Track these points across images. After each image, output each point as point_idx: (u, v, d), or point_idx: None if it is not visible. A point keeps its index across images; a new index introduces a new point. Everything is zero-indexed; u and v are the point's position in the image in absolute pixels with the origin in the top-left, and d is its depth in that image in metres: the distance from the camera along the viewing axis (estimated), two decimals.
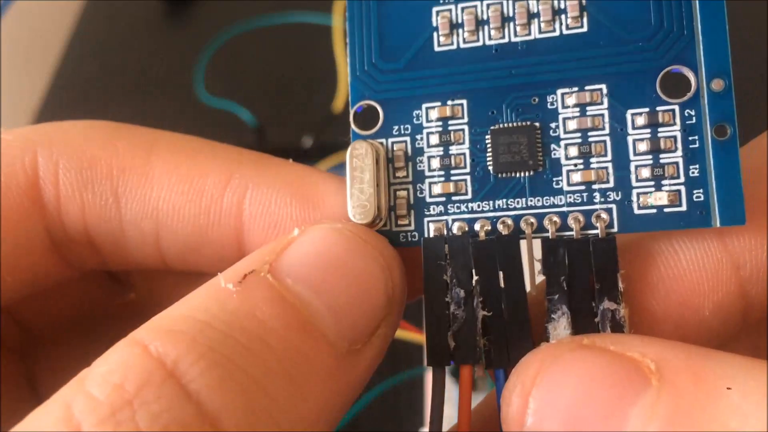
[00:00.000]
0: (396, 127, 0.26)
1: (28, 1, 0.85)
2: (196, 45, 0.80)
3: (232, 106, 0.76)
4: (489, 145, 0.26)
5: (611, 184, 0.25)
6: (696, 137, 0.25)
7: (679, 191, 0.25)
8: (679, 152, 0.25)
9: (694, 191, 0.25)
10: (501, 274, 0.25)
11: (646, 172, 0.25)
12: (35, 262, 0.28)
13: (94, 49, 0.87)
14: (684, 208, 0.25)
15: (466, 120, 0.26)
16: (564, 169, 0.26)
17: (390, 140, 0.26)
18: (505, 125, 0.26)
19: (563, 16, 0.26)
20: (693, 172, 0.25)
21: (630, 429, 0.20)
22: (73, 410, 0.19)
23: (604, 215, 0.25)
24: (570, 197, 0.25)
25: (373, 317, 0.24)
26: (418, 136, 0.26)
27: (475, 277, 0.25)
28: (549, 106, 0.26)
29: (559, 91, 0.26)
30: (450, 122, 0.26)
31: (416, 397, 0.57)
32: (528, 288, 0.25)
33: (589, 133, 0.25)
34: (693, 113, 0.25)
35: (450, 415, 0.25)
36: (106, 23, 0.89)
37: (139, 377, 0.20)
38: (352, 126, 0.27)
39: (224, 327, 0.21)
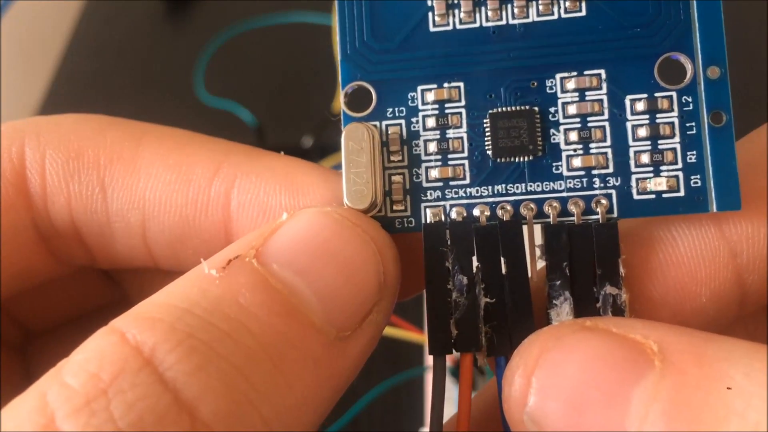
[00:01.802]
0: (390, 110, 0.25)
1: (28, 1, 0.85)
2: (196, 45, 0.80)
3: (232, 106, 0.75)
4: (487, 130, 0.25)
5: (611, 170, 0.25)
6: (693, 124, 0.24)
7: (677, 177, 0.24)
8: (677, 138, 0.24)
9: (692, 177, 0.24)
10: (503, 260, 0.24)
11: (645, 158, 0.24)
12: (24, 257, 0.28)
13: (94, 49, 0.86)
14: (682, 193, 0.24)
15: (463, 103, 0.25)
16: (564, 154, 0.25)
17: (384, 123, 0.25)
18: (504, 109, 0.25)
19: (562, 0, 0.25)
20: (690, 159, 0.24)
21: (633, 409, 0.20)
22: (47, 399, 0.18)
23: (603, 201, 0.25)
24: (570, 182, 0.25)
25: (364, 303, 0.23)
26: (414, 119, 0.25)
27: (476, 264, 0.24)
28: (548, 91, 0.25)
29: (558, 76, 0.25)
30: (447, 105, 0.25)
31: (416, 397, 0.56)
32: (529, 274, 0.25)
33: (589, 118, 0.25)
34: (690, 100, 0.24)
35: (450, 413, 0.24)
36: (106, 23, 0.88)
37: (114, 365, 0.19)
38: (344, 108, 0.25)
39: (205, 314, 0.20)
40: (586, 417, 0.20)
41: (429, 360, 0.57)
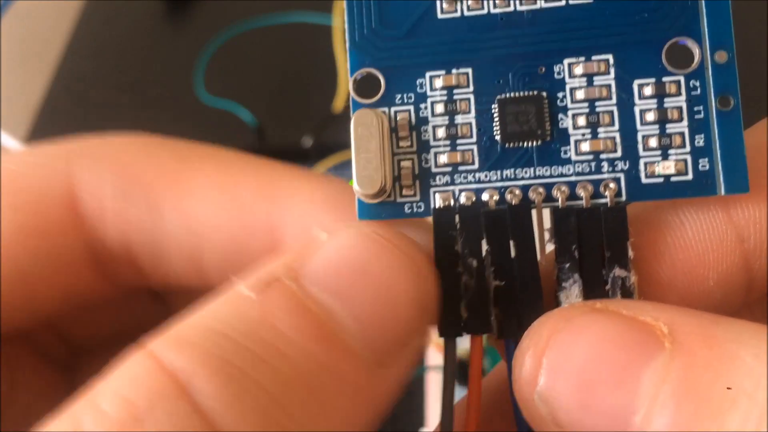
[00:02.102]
0: (399, 96, 0.25)
1: (28, 1, 0.85)
2: (196, 45, 0.80)
3: (232, 106, 0.75)
4: (496, 115, 0.25)
5: (619, 154, 0.25)
6: (701, 108, 0.24)
7: (685, 160, 0.24)
8: (685, 122, 0.24)
9: (700, 161, 0.24)
10: (512, 243, 0.24)
11: (653, 142, 0.24)
12: (75, 278, 0.27)
13: (94, 49, 0.87)
14: (690, 177, 0.24)
15: (471, 89, 0.25)
16: (572, 139, 0.25)
17: (393, 109, 0.25)
18: (512, 95, 0.25)
19: None
20: (698, 142, 0.24)
21: (643, 389, 0.20)
22: (82, 425, 0.18)
23: (612, 184, 0.25)
24: (578, 167, 0.25)
25: (403, 328, 0.22)
26: (422, 105, 0.25)
27: (486, 248, 0.24)
28: (556, 76, 0.25)
29: (566, 61, 0.25)
30: (455, 91, 0.25)
31: (416, 397, 0.56)
32: (538, 257, 0.25)
33: (597, 103, 0.25)
34: (697, 84, 0.24)
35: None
36: (106, 23, 0.88)
37: (150, 393, 0.19)
38: (353, 94, 0.25)
39: (242, 338, 0.20)
40: (597, 397, 0.20)
41: (429, 360, 0.57)
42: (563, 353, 0.21)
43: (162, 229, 0.26)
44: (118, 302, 0.31)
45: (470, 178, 0.25)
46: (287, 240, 0.26)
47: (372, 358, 0.21)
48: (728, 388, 0.19)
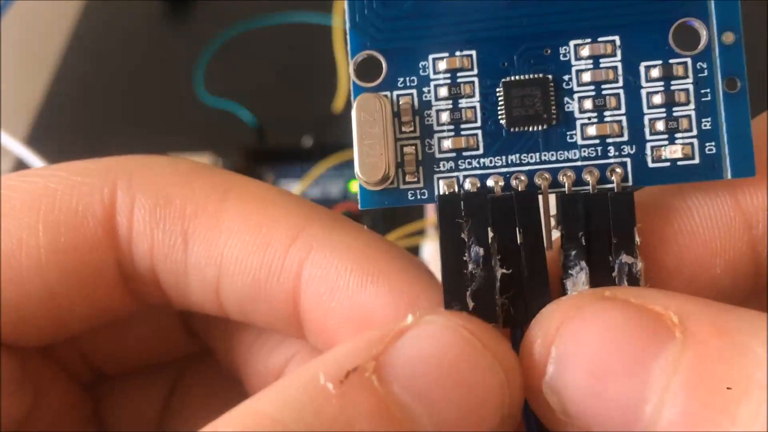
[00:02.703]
0: (401, 79, 0.24)
1: (28, 1, 0.85)
2: (196, 45, 0.79)
3: (232, 106, 0.74)
4: (501, 98, 0.24)
5: (625, 138, 0.24)
6: (708, 90, 0.24)
7: (692, 144, 0.24)
8: (692, 105, 0.24)
9: (707, 144, 0.24)
10: (519, 230, 0.23)
11: (660, 125, 0.24)
12: (104, 294, 0.27)
13: (94, 49, 0.86)
14: (697, 161, 0.24)
15: (475, 72, 0.24)
16: (578, 123, 0.24)
17: (395, 93, 0.24)
18: (517, 78, 0.24)
19: None
20: (705, 125, 0.24)
21: (654, 379, 0.19)
22: None
23: (618, 169, 0.24)
24: (584, 151, 0.24)
25: None
26: (425, 89, 0.24)
27: (491, 234, 0.23)
28: (562, 58, 0.24)
29: (572, 43, 0.24)
30: (459, 74, 0.24)
31: None
32: (545, 244, 0.24)
33: (603, 86, 0.24)
34: (704, 66, 0.24)
35: None
36: (106, 23, 0.88)
37: None
38: (353, 78, 0.25)
39: None
40: (607, 387, 0.20)
41: None
42: (573, 342, 0.20)
43: (186, 259, 0.26)
44: (146, 330, 0.31)
45: (475, 163, 0.24)
46: (308, 291, 0.25)
47: None
48: (728, 388, 0.19)
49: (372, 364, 0.20)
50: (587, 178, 0.24)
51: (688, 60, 0.24)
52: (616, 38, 0.24)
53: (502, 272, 0.23)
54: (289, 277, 0.25)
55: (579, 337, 0.20)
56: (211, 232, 0.26)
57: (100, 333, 0.30)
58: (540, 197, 0.24)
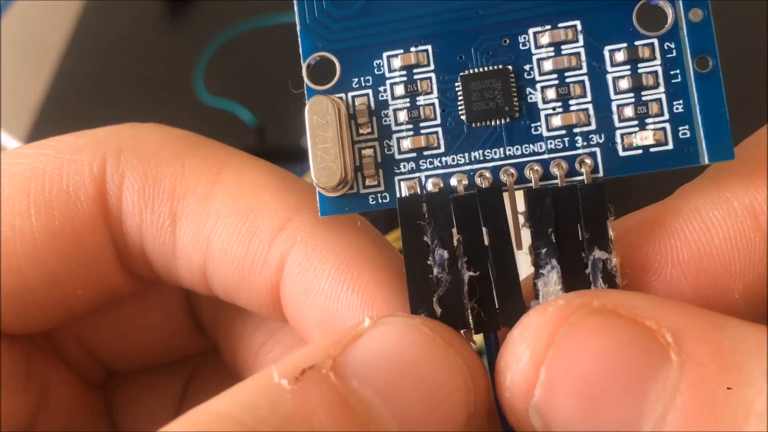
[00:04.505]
0: (355, 80, 0.23)
1: (28, 1, 0.84)
2: (196, 45, 0.78)
3: (232, 106, 0.73)
4: (460, 93, 0.23)
5: (593, 127, 0.22)
6: (678, 71, 0.22)
7: (664, 129, 0.22)
8: (662, 88, 0.22)
9: (680, 128, 0.22)
10: (485, 230, 0.22)
11: (629, 111, 0.22)
12: (104, 274, 0.26)
13: (94, 49, 0.84)
14: (671, 146, 0.22)
15: (432, 67, 0.23)
16: (542, 114, 0.22)
17: (350, 94, 0.23)
18: (476, 70, 0.23)
19: None
20: (677, 108, 0.22)
21: (650, 405, 0.18)
22: None
23: (588, 160, 0.22)
24: (551, 143, 0.22)
25: None
26: (381, 88, 0.23)
27: (457, 236, 0.22)
28: (521, 47, 0.23)
29: (531, 31, 0.23)
30: (415, 71, 0.23)
31: None
32: (514, 243, 0.22)
33: (566, 74, 0.22)
34: (673, 46, 0.22)
35: None
36: (106, 23, 0.86)
37: None
38: (307, 81, 0.23)
39: None
40: (599, 413, 0.18)
41: None
42: (565, 365, 0.19)
43: (174, 242, 0.25)
44: (154, 328, 0.30)
45: (436, 162, 0.23)
46: (287, 286, 0.24)
47: None
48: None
49: (329, 362, 0.19)
50: (555, 171, 0.22)
51: (655, 41, 0.23)
52: (577, 23, 0.23)
53: (469, 275, 0.22)
54: (272, 269, 0.24)
55: (571, 359, 0.19)
56: (200, 215, 0.24)
57: (107, 329, 0.29)
58: (506, 194, 0.22)
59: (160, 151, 0.25)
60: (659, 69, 0.22)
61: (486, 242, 0.22)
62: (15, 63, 0.82)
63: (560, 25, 0.23)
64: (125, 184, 0.25)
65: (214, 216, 0.24)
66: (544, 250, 0.22)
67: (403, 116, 0.23)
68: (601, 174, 0.22)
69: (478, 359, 0.21)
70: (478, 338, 0.23)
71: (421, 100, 0.23)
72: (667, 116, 0.22)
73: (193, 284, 0.26)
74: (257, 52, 0.79)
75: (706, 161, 0.22)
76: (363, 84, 0.23)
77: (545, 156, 0.23)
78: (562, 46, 0.23)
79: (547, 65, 0.23)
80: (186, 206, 0.25)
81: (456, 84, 0.23)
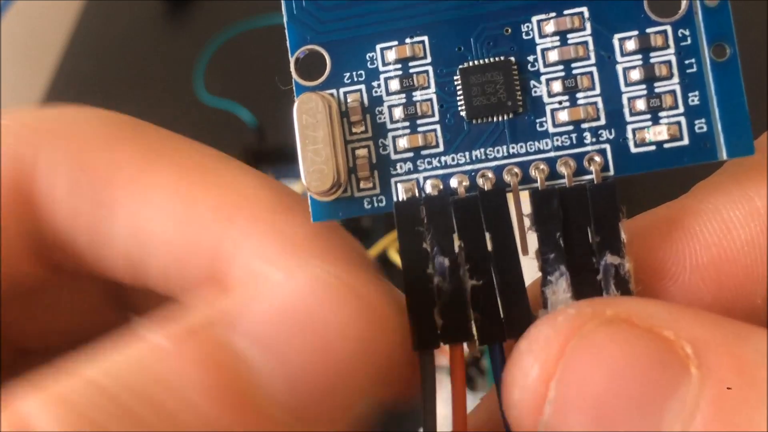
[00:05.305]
0: (347, 74, 0.21)
1: (28, 1, 0.83)
2: (196, 45, 0.78)
3: (232, 106, 0.73)
4: (459, 88, 0.21)
5: (603, 122, 0.21)
6: (693, 60, 0.21)
7: (679, 123, 0.21)
8: (676, 79, 0.21)
9: (696, 121, 0.21)
10: (488, 235, 0.20)
11: (641, 104, 0.21)
12: (14, 266, 0.24)
13: (94, 49, 0.85)
14: (686, 141, 0.21)
15: (429, 60, 0.21)
16: (548, 109, 0.21)
17: (342, 90, 0.21)
18: (476, 62, 0.21)
19: None
20: (693, 100, 0.21)
21: (667, 425, 0.17)
22: None
23: (597, 157, 0.21)
24: (557, 140, 0.21)
25: (347, 392, 0.18)
26: (375, 83, 0.21)
27: (458, 242, 0.20)
28: (524, 37, 0.21)
29: (535, 18, 0.21)
30: (411, 64, 0.21)
31: (417, 397, 0.54)
32: (519, 248, 0.21)
33: (573, 65, 0.21)
34: (687, 33, 0.21)
35: (445, 414, 0.21)
36: (106, 23, 0.86)
37: None
38: (295, 77, 0.22)
39: (131, 398, 0.16)
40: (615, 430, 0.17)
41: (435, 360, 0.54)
42: (577, 380, 0.17)
43: (108, 231, 0.23)
44: (66, 300, 0.28)
45: (435, 163, 0.21)
46: (227, 277, 0.22)
47: (297, 426, 0.17)
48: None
49: (227, 320, 0.18)
50: (562, 170, 0.21)
51: (668, 28, 0.21)
52: (584, 9, 0.21)
53: (472, 284, 0.20)
54: (209, 260, 0.22)
55: (582, 374, 0.18)
56: (136, 203, 0.23)
57: (11, 305, 0.27)
58: (510, 195, 0.21)
59: (93, 138, 0.23)
60: (673, 58, 0.21)
61: (489, 248, 0.20)
62: (15, 63, 0.82)
63: (566, 12, 0.21)
64: (56, 171, 0.23)
65: (151, 207, 0.23)
66: (551, 256, 0.20)
67: (398, 113, 0.21)
68: (611, 172, 0.21)
69: (395, 310, 0.19)
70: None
71: (417, 95, 0.21)
72: (681, 109, 0.21)
73: (127, 276, 0.24)
74: (257, 52, 0.79)
75: (725, 157, 0.21)
76: (355, 79, 0.22)
77: (551, 154, 0.21)
78: (569, 35, 0.21)
79: (553, 56, 0.21)
80: (121, 197, 0.23)
81: (455, 77, 0.21)
